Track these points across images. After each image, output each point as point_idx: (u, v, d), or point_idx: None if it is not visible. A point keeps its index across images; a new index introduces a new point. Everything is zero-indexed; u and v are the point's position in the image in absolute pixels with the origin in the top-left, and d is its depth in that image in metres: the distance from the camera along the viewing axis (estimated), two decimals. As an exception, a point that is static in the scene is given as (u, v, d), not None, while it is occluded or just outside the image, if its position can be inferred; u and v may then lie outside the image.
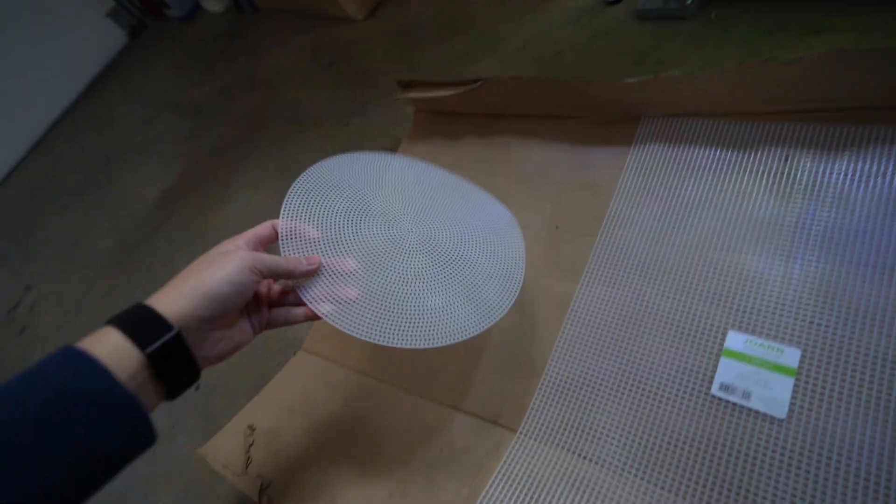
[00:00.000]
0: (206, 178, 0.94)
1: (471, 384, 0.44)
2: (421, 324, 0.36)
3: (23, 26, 1.39)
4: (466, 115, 0.61)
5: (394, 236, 0.40)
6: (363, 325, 0.34)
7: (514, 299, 0.39)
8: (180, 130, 1.10)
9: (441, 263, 0.39)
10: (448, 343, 0.35)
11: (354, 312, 0.35)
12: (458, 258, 0.40)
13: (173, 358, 0.27)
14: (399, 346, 0.34)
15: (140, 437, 0.26)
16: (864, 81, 0.38)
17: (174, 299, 0.28)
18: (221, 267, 0.30)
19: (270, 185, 0.84)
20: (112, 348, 0.26)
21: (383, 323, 0.35)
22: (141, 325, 0.27)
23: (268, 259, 0.32)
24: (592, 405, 0.39)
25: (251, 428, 0.48)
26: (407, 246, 0.39)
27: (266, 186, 0.85)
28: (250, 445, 0.47)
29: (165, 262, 0.84)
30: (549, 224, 0.49)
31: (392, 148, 0.69)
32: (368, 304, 0.35)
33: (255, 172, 0.88)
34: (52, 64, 1.45)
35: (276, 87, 1.04)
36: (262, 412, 0.49)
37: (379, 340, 0.34)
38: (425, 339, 0.35)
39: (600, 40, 0.67)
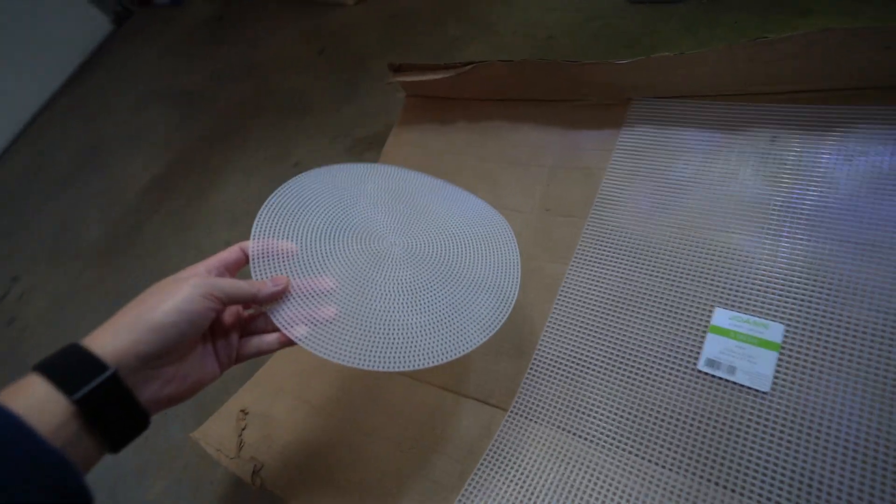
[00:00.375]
0: (197, 165, 0.93)
1: (462, 366, 0.44)
2: (405, 344, 0.34)
3: (2, 12, 1.36)
4: (457, 100, 0.61)
5: (376, 251, 0.38)
6: (342, 349, 0.32)
7: (507, 313, 0.37)
8: (170, 118, 1.09)
9: (428, 277, 0.37)
10: (435, 365, 0.33)
11: (332, 335, 0.32)
12: (446, 270, 0.38)
13: (110, 403, 0.24)
14: (382, 370, 0.32)
15: (69, 499, 0.22)
16: (850, 60, 0.39)
17: (112, 334, 0.25)
18: (170, 295, 0.27)
19: (262, 171, 0.83)
20: (34, 398, 0.22)
21: (364, 345, 0.33)
22: (69, 367, 0.23)
23: (227, 284, 0.29)
24: (582, 383, 0.39)
25: (244, 412, 0.48)
26: (390, 261, 0.37)
27: (258, 173, 0.84)
28: (243, 429, 0.47)
29: (154, 252, 0.83)
30: (540, 207, 0.49)
31: (384, 133, 0.69)
32: (348, 325, 0.33)
33: (246, 159, 0.88)
34: (35, 51, 1.42)
35: (267, 73, 1.03)
36: (255, 397, 0.49)
37: (360, 364, 0.32)
38: (410, 361, 0.33)
39: (592, 24, 0.67)
